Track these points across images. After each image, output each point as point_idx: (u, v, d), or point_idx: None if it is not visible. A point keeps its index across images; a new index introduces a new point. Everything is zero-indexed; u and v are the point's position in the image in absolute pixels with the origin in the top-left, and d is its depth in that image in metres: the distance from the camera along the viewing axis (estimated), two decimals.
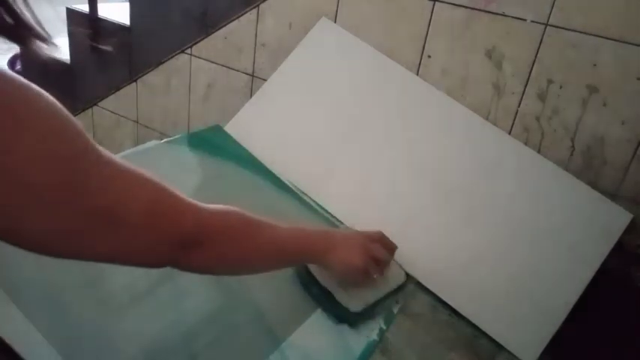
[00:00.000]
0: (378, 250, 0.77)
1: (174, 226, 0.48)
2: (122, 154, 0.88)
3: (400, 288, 0.84)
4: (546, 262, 0.85)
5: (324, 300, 0.76)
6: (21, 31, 0.38)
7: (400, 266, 0.86)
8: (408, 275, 0.86)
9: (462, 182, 0.94)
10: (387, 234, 0.84)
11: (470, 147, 0.96)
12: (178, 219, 0.49)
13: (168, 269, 0.72)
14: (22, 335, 0.57)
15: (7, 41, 0.39)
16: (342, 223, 0.94)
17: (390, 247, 0.82)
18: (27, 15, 0.38)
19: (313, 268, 0.78)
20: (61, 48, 1.78)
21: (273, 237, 0.62)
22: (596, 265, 0.83)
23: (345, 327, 0.75)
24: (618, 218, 0.86)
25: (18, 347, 0.56)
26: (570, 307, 0.81)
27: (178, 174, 0.91)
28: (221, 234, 0.54)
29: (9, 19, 0.37)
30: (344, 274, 0.74)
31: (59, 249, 0.41)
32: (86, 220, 0.40)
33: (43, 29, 0.39)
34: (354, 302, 0.75)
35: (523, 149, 0.95)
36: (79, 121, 0.40)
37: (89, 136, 0.41)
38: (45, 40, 0.40)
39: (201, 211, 0.52)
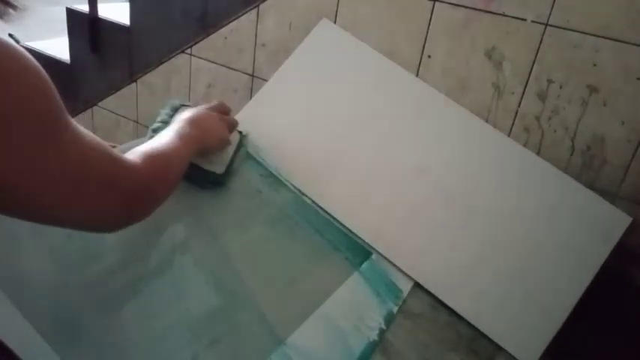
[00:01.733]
0: (230, 119, 0.91)
1: (132, 184, 0.55)
2: (123, 145, 0.88)
3: (241, 141, 0.97)
4: (546, 264, 0.85)
5: (192, 173, 0.79)
6: None
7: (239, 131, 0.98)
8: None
9: (461, 184, 0.94)
10: (387, 234, 0.84)
11: (469, 148, 0.96)
12: (133, 177, 0.55)
13: (169, 268, 0.72)
14: (20, 336, 0.57)
15: None
16: (341, 223, 0.94)
17: (226, 111, 0.93)
18: None
19: None
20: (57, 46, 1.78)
21: (179, 160, 0.68)
22: (595, 267, 0.83)
23: (343, 324, 0.75)
24: (618, 221, 0.86)
25: (16, 348, 0.55)
26: (570, 308, 0.81)
27: None
28: (154, 179, 0.60)
29: None
30: (214, 149, 0.85)
31: (38, 202, 0.45)
32: (62, 177, 0.45)
33: None
34: (217, 166, 0.87)
35: (523, 151, 0.95)
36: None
37: (60, 101, 0.44)
38: (12, 5, 0.42)
39: (137, 167, 0.57)
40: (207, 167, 0.86)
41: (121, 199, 0.53)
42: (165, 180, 0.63)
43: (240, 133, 0.98)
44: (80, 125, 0.48)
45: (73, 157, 0.45)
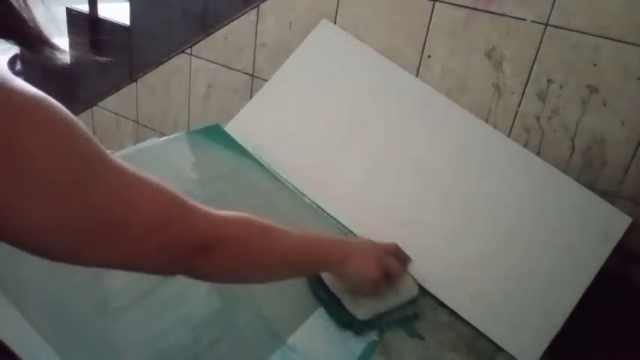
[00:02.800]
0: (393, 263, 0.76)
1: (186, 231, 0.47)
2: (121, 152, 0.88)
3: (412, 301, 0.81)
4: (546, 265, 0.85)
5: (332, 305, 0.76)
6: (33, 40, 0.40)
7: (414, 279, 0.84)
8: (421, 288, 0.85)
9: (461, 184, 0.94)
10: (387, 234, 0.84)
11: (469, 149, 0.96)
12: (191, 224, 0.48)
13: None
14: (21, 337, 0.57)
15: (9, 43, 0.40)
16: (340, 223, 0.94)
17: (404, 260, 0.82)
18: (38, 24, 0.40)
19: (323, 273, 0.77)
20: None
21: (286, 244, 0.61)
22: (595, 268, 0.83)
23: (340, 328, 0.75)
24: (618, 222, 0.86)
25: (17, 349, 0.56)
26: (570, 309, 0.81)
27: (176, 173, 0.91)
28: (233, 240, 0.52)
29: (19, 26, 0.39)
30: (357, 284, 0.73)
31: (60, 248, 0.41)
32: (87, 217, 0.40)
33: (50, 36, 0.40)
34: (361, 310, 0.74)
35: (523, 152, 0.95)
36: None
37: (101, 145, 0.42)
38: (57, 48, 0.41)
39: (213, 217, 0.51)
40: (348, 305, 0.74)
41: (163, 245, 0.46)
42: (248, 246, 0.54)
43: (420, 288, 0.84)
44: (129, 165, 0.45)
45: (106, 198, 0.41)
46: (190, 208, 0.48)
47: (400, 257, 0.80)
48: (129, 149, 0.90)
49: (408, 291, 0.81)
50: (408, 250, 0.84)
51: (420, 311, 0.83)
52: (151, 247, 0.45)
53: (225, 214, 0.53)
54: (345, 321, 0.75)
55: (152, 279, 0.70)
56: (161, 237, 0.45)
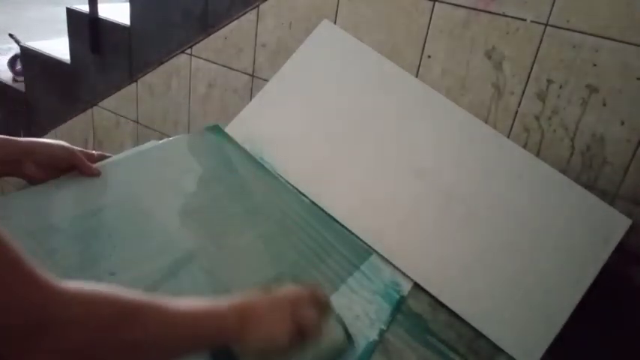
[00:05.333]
0: (307, 316, 0.61)
1: (17, 303, 0.39)
2: (121, 155, 0.88)
3: (339, 352, 0.70)
4: (546, 266, 0.85)
5: None
6: None
7: (343, 326, 0.72)
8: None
9: (461, 185, 0.94)
10: (387, 235, 0.84)
11: (469, 150, 0.96)
12: (23, 293, 0.39)
13: (170, 270, 0.72)
14: None
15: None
16: (340, 223, 0.94)
17: (323, 306, 0.66)
18: None
19: None
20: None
21: (164, 323, 0.49)
22: (595, 269, 0.83)
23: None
24: (618, 223, 0.86)
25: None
26: (571, 310, 0.81)
27: (176, 174, 0.91)
28: (77, 322, 0.41)
29: None
30: (266, 352, 0.60)
31: None
32: None
33: None
34: None
35: (523, 153, 0.95)
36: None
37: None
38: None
39: (56, 290, 0.41)
40: None
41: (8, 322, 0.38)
42: (100, 329, 0.43)
43: (348, 336, 0.72)
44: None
45: None
46: (27, 276, 0.40)
47: (318, 303, 0.65)
48: (128, 152, 0.90)
49: (331, 342, 0.68)
50: (407, 250, 0.85)
51: None
52: None
53: (77, 287, 0.43)
54: None
55: (153, 278, 0.70)
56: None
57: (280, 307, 0.60)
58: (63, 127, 1.84)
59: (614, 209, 0.87)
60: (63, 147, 0.78)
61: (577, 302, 0.82)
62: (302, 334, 0.60)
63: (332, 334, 0.69)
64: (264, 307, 0.59)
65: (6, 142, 0.73)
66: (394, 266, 0.90)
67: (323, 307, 0.65)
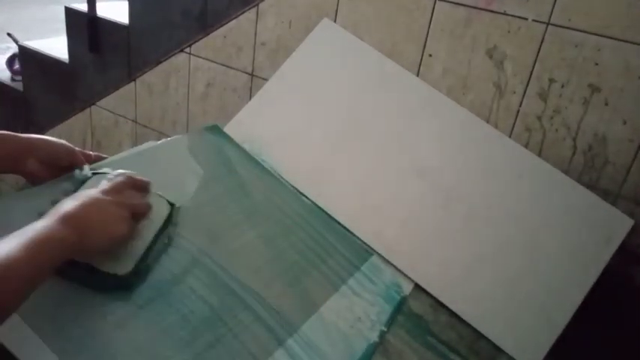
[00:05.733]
0: (134, 201, 0.67)
1: None
2: (120, 155, 0.88)
3: (167, 221, 0.73)
4: (547, 267, 0.85)
5: (87, 277, 0.63)
6: None
7: (159, 195, 0.75)
8: (171, 204, 0.77)
9: (462, 185, 0.93)
10: (387, 235, 0.83)
11: (470, 149, 0.96)
12: None
13: (169, 271, 0.72)
14: (18, 337, 0.57)
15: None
16: (340, 223, 0.94)
17: (143, 186, 0.72)
18: None
19: None
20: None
21: (15, 272, 0.50)
22: (597, 270, 0.83)
23: (343, 326, 0.75)
24: (620, 224, 0.86)
25: (15, 349, 0.55)
26: (573, 311, 0.81)
27: (175, 175, 0.90)
28: None
29: None
30: (111, 248, 0.63)
31: None
32: None
33: None
34: (120, 264, 0.65)
35: (524, 152, 0.94)
36: None
37: None
38: None
39: None
40: (104, 268, 0.63)
41: None
42: None
43: (172, 205, 0.77)
44: None
45: None
46: None
47: (136, 185, 0.71)
48: (127, 152, 0.89)
49: (158, 214, 0.72)
50: (408, 250, 0.84)
51: (173, 229, 0.75)
52: None
53: None
54: (110, 284, 0.64)
55: (152, 279, 0.70)
56: None
57: (105, 203, 0.63)
58: (61, 127, 1.84)
59: (616, 209, 0.87)
60: (64, 145, 0.77)
61: (579, 303, 0.82)
62: (135, 216, 0.67)
63: (156, 205, 0.73)
64: (93, 209, 0.60)
65: (6, 138, 0.71)
66: (395, 267, 0.89)
67: (142, 187, 0.73)
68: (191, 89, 1.44)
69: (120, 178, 0.69)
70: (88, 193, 0.64)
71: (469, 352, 0.79)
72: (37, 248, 0.52)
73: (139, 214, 0.69)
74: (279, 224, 0.89)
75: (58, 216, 0.57)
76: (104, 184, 0.67)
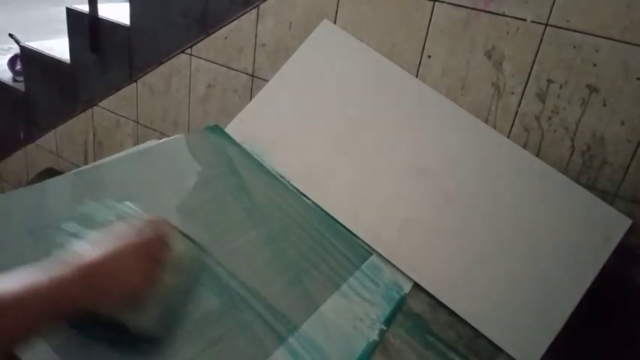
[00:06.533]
0: (157, 250, 0.58)
1: None
2: (121, 154, 0.88)
3: (198, 266, 0.69)
4: (546, 266, 0.85)
5: (115, 337, 0.58)
6: None
7: (190, 239, 0.69)
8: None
9: (460, 185, 0.94)
10: (387, 235, 0.84)
11: (469, 150, 0.96)
12: None
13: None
14: None
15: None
16: (340, 223, 0.94)
17: (164, 232, 0.62)
18: None
19: None
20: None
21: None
22: (595, 269, 0.83)
23: (343, 325, 0.75)
24: (618, 223, 0.86)
25: (18, 351, 0.55)
26: (571, 310, 0.81)
27: (176, 174, 0.91)
28: None
29: None
30: (130, 304, 0.56)
31: None
32: None
33: None
34: (147, 316, 0.58)
35: (522, 153, 0.95)
36: None
37: None
38: None
39: None
40: (136, 327, 0.57)
41: None
42: None
43: (197, 245, 0.69)
44: None
45: None
46: None
47: (159, 231, 0.61)
48: (128, 151, 0.90)
49: (183, 262, 0.65)
50: (407, 250, 0.84)
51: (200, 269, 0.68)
52: None
53: None
54: (141, 341, 0.59)
55: None
56: None
57: (127, 253, 0.55)
58: (63, 127, 1.84)
59: (614, 209, 0.87)
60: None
61: (577, 302, 0.82)
62: (160, 264, 0.58)
63: (181, 253, 0.65)
64: (108, 261, 0.53)
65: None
66: (394, 266, 0.90)
67: (164, 233, 0.61)
68: (192, 90, 1.44)
69: (148, 224, 0.60)
70: (116, 237, 0.56)
71: (468, 350, 0.80)
72: (39, 296, 0.47)
73: (162, 261, 0.59)
74: (280, 224, 0.89)
75: (74, 266, 0.50)
76: (132, 225, 0.59)
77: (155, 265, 0.57)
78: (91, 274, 0.51)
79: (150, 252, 0.57)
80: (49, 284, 0.48)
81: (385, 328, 0.78)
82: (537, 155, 0.95)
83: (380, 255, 0.91)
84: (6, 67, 2.07)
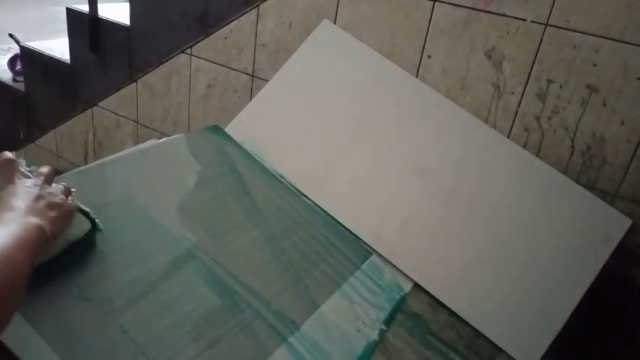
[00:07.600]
0: (52, 198, 0.61)
1: None
2: (121, 153, 0.88)
3: (85, 238, 0.69)
4: (546, 266, 0.86)
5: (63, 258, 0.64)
6: None
7: (85, 212, 0.70)
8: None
9: (460, 185, 0.94)
10: (387, 235, 0.84)
11: (469, 150, 0.97)
12: None
13: (170, 269, 0.72)
14: (20, 336, 0.57)
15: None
16: (340, 223, 0.94)
17: (66, 192, 0.66)
18: None
19: None
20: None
21: None
22: (596, 269, 0.83)
23: (343, 324, 0.75)
24: (618, 224, 0.86)
25: (15, 348, 0.55)
26: (571, 310, 0.82)
27: (176, 174, 0.91)
28: None
29: None
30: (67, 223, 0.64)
31: None
32: None
33: None
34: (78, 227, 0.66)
35: (522, 153, 0.95)
36: None
37: None
38: None
39: None
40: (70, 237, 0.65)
41: None
42: None
43: (89, 218, 0.70)
44: None
45: None
46: None
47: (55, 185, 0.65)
48: (128, 150, 0.90)
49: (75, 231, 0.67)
50: (407, 250, 0.84)
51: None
52: None
53: None
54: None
55: (153, 278, 0.70)
56: None
57: (50, 193, 0.61)
58: (63, 127, 1.84)
59: (614, 209, 0.87)
60: None
61: (577, 302, 0.82)
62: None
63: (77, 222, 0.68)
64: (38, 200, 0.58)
65: None
66: (394, 266, 0.90)
67: (66, 192, 0.66)
68: (192, 90, 1.44)
69: (44, 170, 0.64)
70: (27, 187, 0.59)
71: (468, 350, 0.80)
72: (26, 243, 0.51)
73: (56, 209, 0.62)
74: (280, 223, 0.89)
75: (22, 210, 0.55)
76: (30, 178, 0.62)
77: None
78: (41, 214, 0.57)
79: (49, 208, 0.60)
80: (28, 232, 0.53)
81: (385, 328, 0.78)
82: (537, 155, 0.95)
83: (380, 255, 0.91)
84: (6, 67, 2.07)
